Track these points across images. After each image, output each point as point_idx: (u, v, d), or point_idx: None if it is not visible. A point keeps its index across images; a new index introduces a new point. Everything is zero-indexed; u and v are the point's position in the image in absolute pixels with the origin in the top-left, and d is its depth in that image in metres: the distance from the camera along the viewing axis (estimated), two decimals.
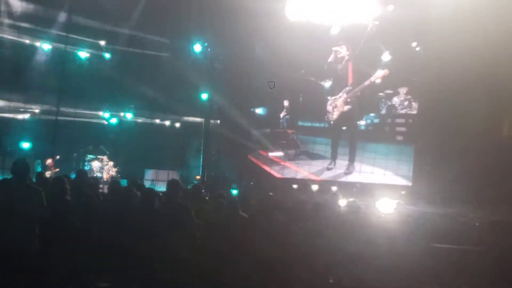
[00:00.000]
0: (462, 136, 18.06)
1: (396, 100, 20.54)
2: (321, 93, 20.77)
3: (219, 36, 21.30)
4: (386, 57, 19.85)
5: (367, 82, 19.91)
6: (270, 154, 21.50)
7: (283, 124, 21.66)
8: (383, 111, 20.83)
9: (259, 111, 22.40)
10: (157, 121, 23.15)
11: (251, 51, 20.69)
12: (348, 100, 20.17)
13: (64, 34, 20.78)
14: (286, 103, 21.50)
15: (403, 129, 20.59)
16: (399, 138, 20.50)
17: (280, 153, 21.43)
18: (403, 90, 20.42)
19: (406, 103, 20.46)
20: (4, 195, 6.46)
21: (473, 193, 16.58)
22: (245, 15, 19.17)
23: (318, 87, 20.69)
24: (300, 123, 21.61)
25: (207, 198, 10.84)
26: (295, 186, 20.03)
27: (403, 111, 20.60)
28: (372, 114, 20.95)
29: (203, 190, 9.96)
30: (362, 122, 20.86)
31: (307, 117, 21.48)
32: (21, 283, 6.21)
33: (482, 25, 16.50)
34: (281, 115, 21.63)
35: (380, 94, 20.57)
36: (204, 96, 22.30)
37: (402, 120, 20.65)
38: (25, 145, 20.02)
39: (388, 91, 20.53)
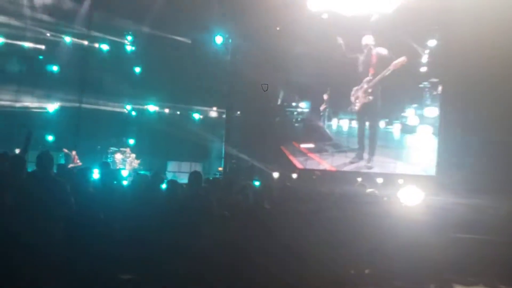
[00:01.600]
0: (486, 125, 17.85)
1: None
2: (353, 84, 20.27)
3: (242, 29, 21.22)
4: (414, 45, 19.55)
5: (386, 72, 19.62)
6: (302, 145, 21.44)
7: (324, 117, 21.36)
8: (428, 102, 19.94)
9: (303, 105, 22.02)
10: (179, 112, 23.17)
11: (275, 43, 20.45)
12: (369, 90, 19.92)
13: (86, 27, 20.96)
14: (325, 96, 21.07)
15: None
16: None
17: (311, 145, 21.33)
18: None
19: None
20: (29, 188, 6.51)
21: (497, 184, 16.40)
22: (266, 7, 19.10)
23: (348, 78, 20.20)
24: (341, 116, 20.94)
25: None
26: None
27: None
28: (415, 105, 20.02)
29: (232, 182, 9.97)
30: (405, 114, 19.95)
31: (343, 110, 20.82)
32: (46, 275, 6.28)
33: (504, 12, 16.29)
34: (321, 108, 21.22)
35: (424, 83, 19.75)
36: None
37: None
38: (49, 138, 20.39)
39: (433, 80, 19.66)
